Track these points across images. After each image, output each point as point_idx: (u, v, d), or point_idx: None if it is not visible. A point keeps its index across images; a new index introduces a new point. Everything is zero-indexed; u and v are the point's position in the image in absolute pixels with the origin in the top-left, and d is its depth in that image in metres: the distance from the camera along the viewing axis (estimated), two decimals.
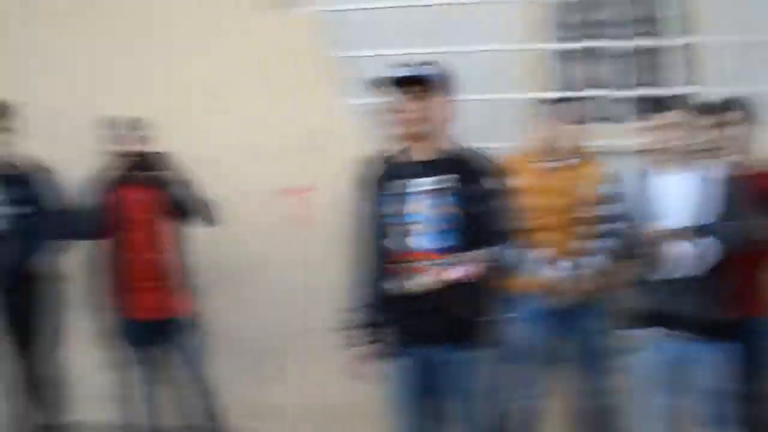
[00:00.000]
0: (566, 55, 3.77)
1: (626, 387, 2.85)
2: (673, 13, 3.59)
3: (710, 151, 2.78)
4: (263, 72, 3.58)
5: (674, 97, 2.84)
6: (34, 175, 3.37)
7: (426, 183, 2.23)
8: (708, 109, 2.82)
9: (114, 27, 3.80)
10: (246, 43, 3.60)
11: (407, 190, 2.24)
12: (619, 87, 3.86)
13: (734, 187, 2.55)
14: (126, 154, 3.01)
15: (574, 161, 3.00)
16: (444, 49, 3.45)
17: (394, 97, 2.21)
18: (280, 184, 3.55)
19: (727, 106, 2.82)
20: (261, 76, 3.59)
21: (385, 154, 3.00)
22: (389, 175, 2.29)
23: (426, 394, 2.32)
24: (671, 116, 2.55)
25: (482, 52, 3.40)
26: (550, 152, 3.01)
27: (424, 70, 2.21)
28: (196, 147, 3.44)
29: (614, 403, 3.00)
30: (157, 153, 3.11)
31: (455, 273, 2.13)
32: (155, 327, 3.00)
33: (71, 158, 3.49)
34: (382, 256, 2.27)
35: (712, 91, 3.13)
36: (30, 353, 3.42)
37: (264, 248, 3.56)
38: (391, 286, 2.23)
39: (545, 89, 3.69)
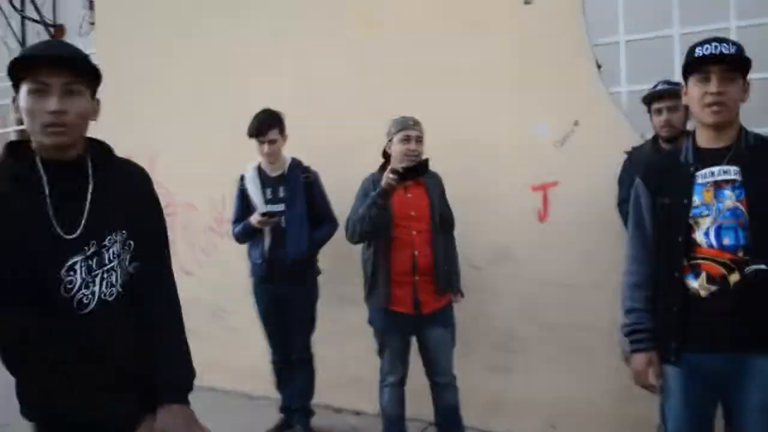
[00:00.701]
0: None
1: None
2: None
3: None
4: (515, 62, 3.52)
5: None
6: (301, 176, 3.60)
7: (717, 173, 2.02)
8: None
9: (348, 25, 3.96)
10: (500, 34, 3.55)
11: (696, 181, 2.04)
12: None
13: None
14: (408, 154, 3.02)
15: None
16: (719, 25, 3.18)
17: (697, 78, 1.99)
18: (532, 177, 3.47)
19: None
20: (513, 67, 3.52)
21: (666, 143, 2.83)
22: (675, 164, 2.10)
23: (711, 406, 2.10)
24: None
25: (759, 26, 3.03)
26: None
27: (734, 48, 1.97)
28: (448, 142, 3.47)
29: None
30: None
31: None
32: (413, 320, 3.05)
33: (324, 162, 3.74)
34: (666, 252, 2.08)
35: None
36: (287, 339, 3.68)
37: (509, 242, 3.52)
38: (677, 284, 2.03)
39: None
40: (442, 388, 3.12)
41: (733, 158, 2.01)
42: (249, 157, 3.66)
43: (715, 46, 1.96)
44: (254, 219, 3.49)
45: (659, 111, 2.86)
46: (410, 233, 2.99)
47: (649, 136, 3.05)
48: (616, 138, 3.24)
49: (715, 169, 2.02)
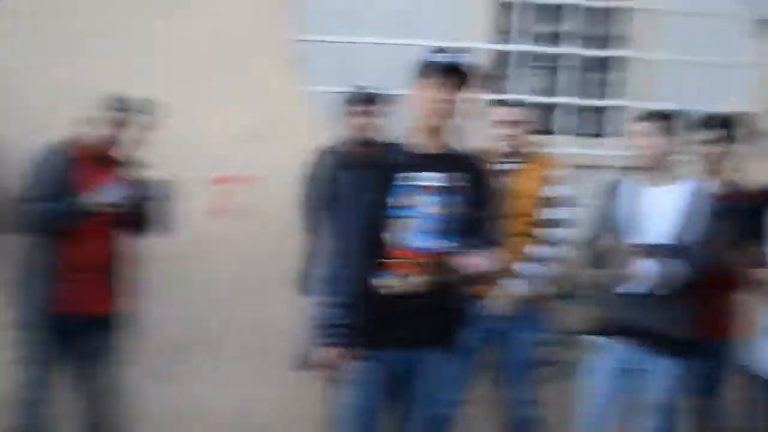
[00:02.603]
0: (522, 61, 3.69)
1: (570, 396, 2.84)
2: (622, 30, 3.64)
3: (700, 167, 2.83)
4: (211, 47, 3.28)
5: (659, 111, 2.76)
6: None
7: (424, 178, 2.09)
8: (706, 123, 2.83)
9: None
10: (199, 16, 3.28)
11: (403, 182, 2.08)
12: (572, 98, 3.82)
13: (715, 208, 2.54)
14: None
15: (525, 163, 2.89)
16: (407, 41, 3.34)
17: (428, 85, 2.02)
18: (224, 173, 3.25)
19: (719, 122, 2.83)
20: (208, 52, 3.28)
21: (363, 146, 2.84)
22: (383, 164, 2.13)
23: (393, 401, 2.17)
24: (649, 128, 2.53)
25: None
26: (503, 154, 2.89)
27: (466, 60, 2.05)
28: None
29: (539, 415, 2.94)
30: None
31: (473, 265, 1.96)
32: (82, 324, 2.61)
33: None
34: (370, 250, 2.08)
35: (658, 106, 3.15)
36: None
37: (184, 237, 3.21)
38: (377, 283, 2.07)
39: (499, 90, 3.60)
40: (100, 392, 2.73)
41: (441, 165, 2.09)
42: None
43: (455, 56, 2.03)
44: None
45: (362, 113, 2.90)
46: (98, 221, 2.54)
47: (344, 137, 3.06)
48: (309, 135, 3.19)
49: (424, 174, 2.08)
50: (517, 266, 2.79)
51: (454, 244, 2.01)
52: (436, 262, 2.04)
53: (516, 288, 2.80)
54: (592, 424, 2.68)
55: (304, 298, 2.92)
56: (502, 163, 2.86)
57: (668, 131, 2.55)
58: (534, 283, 2.83)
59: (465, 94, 2.07)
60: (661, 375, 2.55)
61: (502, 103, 2.97)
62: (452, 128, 2.12)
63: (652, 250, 2.47)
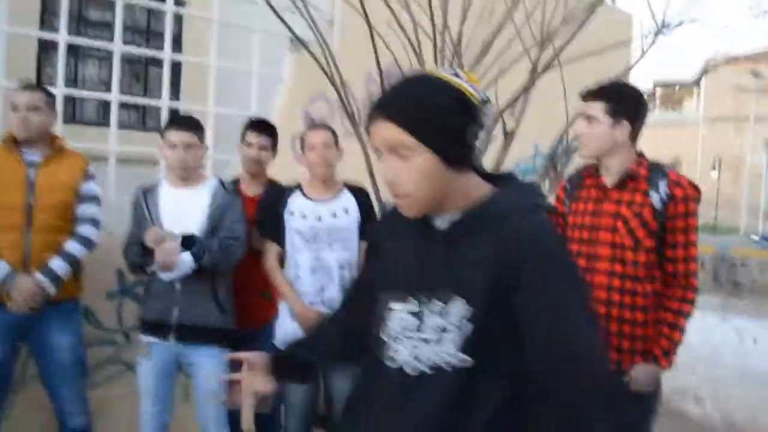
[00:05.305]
0: (50, 48, 3.40)
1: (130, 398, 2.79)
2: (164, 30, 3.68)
3: (244, 167, 3.03)
4: None
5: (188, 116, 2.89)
6: None
7: None
8: (253, 128, 3.02)
9: None
10: None
11: None
12: (105, 91, 3.71)
13: (233, 205, 2.75)
14: None
15: (49, 156, 2.74)
16: None
17: None
18: None
19: (265, 128, 3.05)
20: None
21: None
22: None
23: None
24: (183, 136, 2.65)
25: None
26: (23, 144, 2.70)
27: None
28: None
29: (89, 421, 2.83)
30: None
31: None
32: None
33: None
34: None
35: (192, 108, 3.29)
36: None
37: None
38: None
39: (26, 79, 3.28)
40: None
41: None
42: None
43: None
44: None
45: None
46: None
47: None
48: None
49: None
50: (47, 262, 2.63)
51: None
52: None
53: (45, 285, 2.61)
54: (149, 424, 2.67)
55: None
56: (24, 152, 2.69)
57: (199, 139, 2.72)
58: (63, 280, 2.67)
59: None
60: (205, 365, 2.67)
61: (24, 88, 2.75)
62: None
63: (184, 240, 2.59)
